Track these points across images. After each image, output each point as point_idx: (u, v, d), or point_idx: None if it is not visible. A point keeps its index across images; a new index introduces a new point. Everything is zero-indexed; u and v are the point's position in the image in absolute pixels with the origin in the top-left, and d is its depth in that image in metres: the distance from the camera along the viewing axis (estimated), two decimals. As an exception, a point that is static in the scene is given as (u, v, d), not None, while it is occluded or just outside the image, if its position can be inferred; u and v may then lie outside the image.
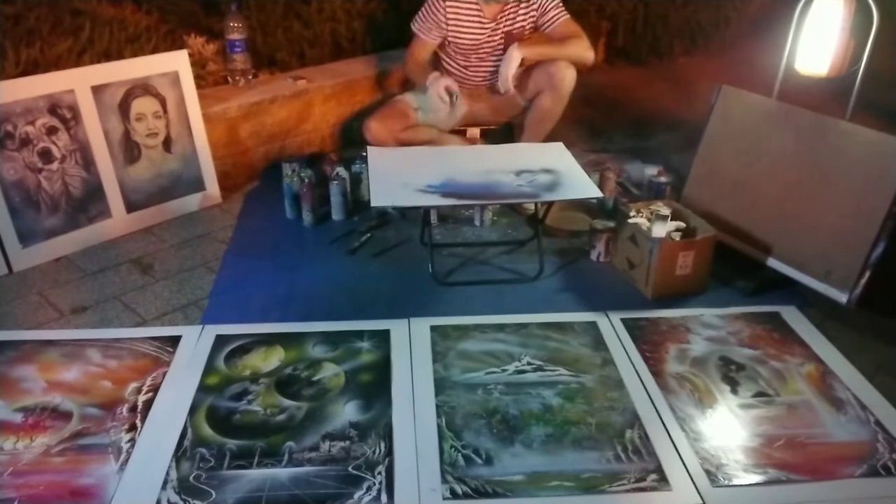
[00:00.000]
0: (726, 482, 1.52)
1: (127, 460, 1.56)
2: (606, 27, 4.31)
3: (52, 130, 2.32)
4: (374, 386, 1.79)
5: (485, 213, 2.59)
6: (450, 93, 2.58)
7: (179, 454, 1.57)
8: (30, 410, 1.69)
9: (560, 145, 2.53)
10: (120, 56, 2.66)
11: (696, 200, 2.40)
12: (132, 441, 1.61)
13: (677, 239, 2.15)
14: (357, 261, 2.37)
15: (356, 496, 1.47)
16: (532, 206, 2.46)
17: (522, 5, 2.66)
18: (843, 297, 2.04)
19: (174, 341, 1.94)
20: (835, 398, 1.77)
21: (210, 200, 2.73)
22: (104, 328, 2.02)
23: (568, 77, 2.63)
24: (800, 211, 2.16)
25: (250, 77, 2.99)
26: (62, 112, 2.34)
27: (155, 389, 1.77)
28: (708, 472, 1.54)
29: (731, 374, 1.85)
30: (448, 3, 2.63)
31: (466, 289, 2.22)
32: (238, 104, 2.82)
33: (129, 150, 2.51)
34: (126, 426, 1.65)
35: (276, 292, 2.18)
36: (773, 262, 2.21)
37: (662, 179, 2.63)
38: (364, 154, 2.51)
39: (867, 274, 1.99)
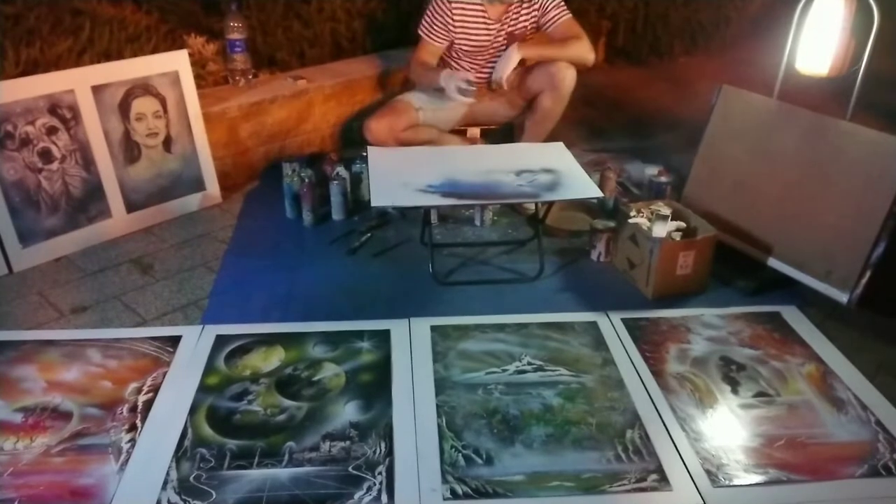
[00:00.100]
0: (727, 482, 1.52)
1: (127, 460, 1.55)
2: (607, 27, 4.31)
3: (52, 130, 2.32)
4: (374, 386, 1.78)
5: (485, 212, 2.59)
6: (468, 82, 2.54)
7: (180, 454, 1.57)
8: (30, 410, 1.69)
9: (560, 145, 2.52)
10: (120, 56, 2.66)
11: (696, 200, 2.40)
12: (132, 441, 1.61)
13: (678, 239, 2.15)
14: (357, 261, 2.37)
15: (356, 496, 1.47)
16: (532, 206, 2.45)
17: (524, 5, 2.65)
18: (843, 297, 2.04)
19: (174, 341, 1.94)
20: (835, 398, 1.77)
21: (210, 200, 2.73)
22: (104, 328, 2.02)
23: (568, 77, 2.63)
24: (800, 211, 2.16)
25: (250, 77, 2.99)
26: (62, 112, 2.33)
27: (155, 389, 1.76)
28: (708, 473, 1.54)
29: (732, 374, 1.85)
30: (454, 5, 2.63)
31: (467, 289, 2.22)
32: (238, 104, 2.82)
33: (129, 150, 2.51)
34: (126, 426, 1.65)
35: (277, 292, 2.17)
36: (773, 262, 2.20)
37: (663, 179, 2.63)
38: (364, 154, 2.50)
39: (868, 274, 1.99)
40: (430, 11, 2.66)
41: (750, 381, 1.82)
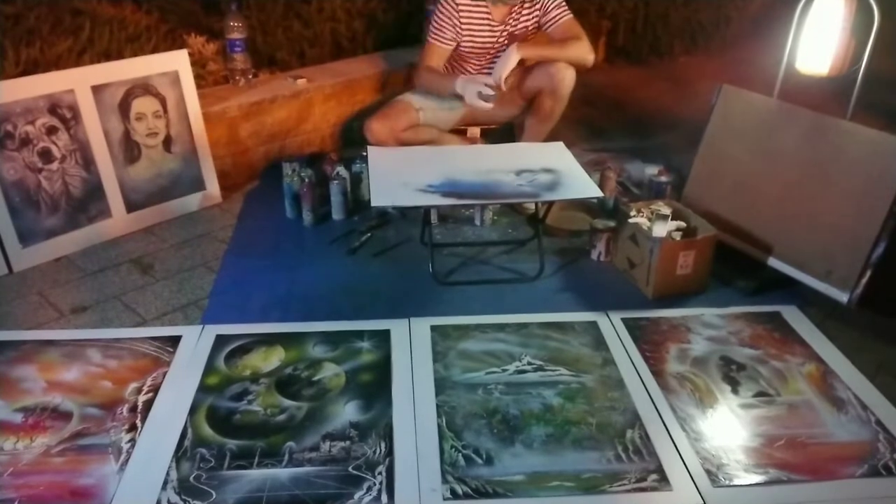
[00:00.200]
0: (727, 482, 1.52)
1: (127, 460, 1.55)
2: (607, 26, 4.31)
3: (52, 130, 2.32)
4: (374, 386, 1.78)
5: (485, 212, 2.59)
6: (490, 87, 2.49)
7: (180, 454, 1.57)
8: (30, 410, 1.69)
9: (560, 145, 2.52)
10: (120, 56, 2.66)
11: (696, 200, 2.39)
12: (132, 441, 1.61)
13: (678, 238, 2.15)
14: (357, 260, 2.37)
15: (356, 496, 1.47)
16: (532, 206, 2.45)
17: (526, 6, 2.65)
18: (843, 297, 2.04)
19: (174, 341, 1.94)
20: (836, 398, 1.77)
21: (210, 200, 2.73)
22: (104, 328, 2.02)
23: (568, 78, 2.63)
24: (800, 210, 2.15)
25: (250, 76, 2.99)
26: (62, 112, 2.33)
27: (155, 389, 1.76)
28: (709, 472, 1.54)
29: (732, 373, 1.85)
30: (461, 5, 2.62)
31: (467, 288, 2.22)
32: (238, 104, 2.82)
33: (129, 150, 2.51)
34: (126, 426, 1.65)
35: (277, 292, 2.17)
36: (773, 262, 2.20)
37: (663, 179, 2.63)
38: (364, 154, 2.51)
39: (868, 273, 1.99)
40: (438, 14, 2.64)
41: (750, 381, 1.82)
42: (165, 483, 1.50)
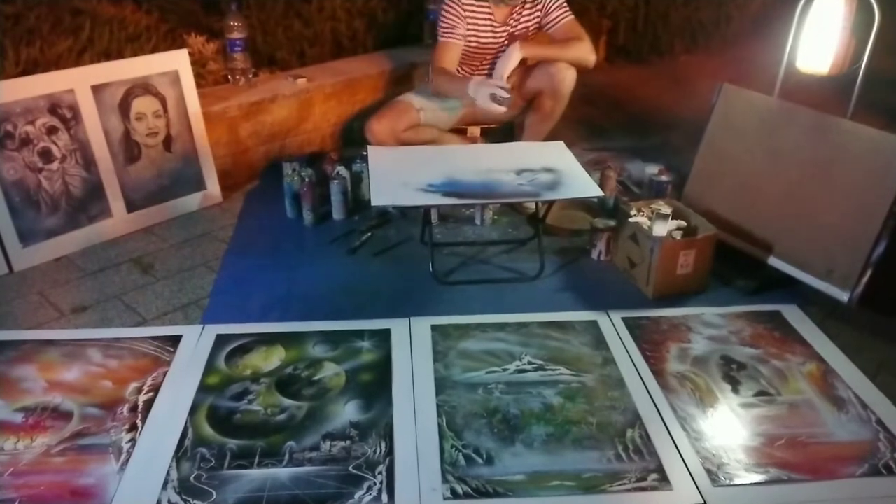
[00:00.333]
0: (727, 482, 1.52)
1: (127, 460, 1.55)
2: (607, 25, 4.31)
3: (52, 130, 2.32)
4: (374, 385, 1.78)
5: (485, 212, 2.59)
6: (504, 89, 2.43)
7: (180, 454, 1.57)
8: (30, 410, 1.69)
9: (561, 144, 2.52)
10: (120, 55, 2.66)
11: (697, 199, 2.39)
12: (133, 441, 1.61)
13: (678, 238, 2.15)
14: (357, 260, 2.37)
15: (357, 496, 1.47)
16: (533, 205, 2.45)
17: (527, 6, 2.65)
18: (844, 296, 2.04)
19: (175, 341, 1.94)
20: (836, 397, 1.77)
21: (210, 200, 2.73)
22: (104, 328, 2.02)
23: (568, 78, 2.63)
24: (801, 210, 2.15)
25: (250, 76, 2.99)
26: (62, 112, 2.33)
27: (155, 389, 1.76)
28: (709, 472, 1.54)
29: (733, 373, 1.85)
30: (466, 5, 2.61)
31: (467, 288, 2.22)
32: (238, 103, 2.82)
33: (130, 150, 2.51)
34: (126, 426, 1.65)
35: (277, 292, 2.17)
36: (774, 261, 2.20)
37: (663, 178, 2.63)
38: (364, 153, 2.50)
39: (868, 273, 1.99)
40: (446, 12, 2.62)
41: (750, 381, 1.82)
42: (166, 483, 1.50)
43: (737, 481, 1.52)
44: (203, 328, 1.99)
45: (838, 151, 2.08)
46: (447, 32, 2.63)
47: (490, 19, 2.64)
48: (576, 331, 2.00)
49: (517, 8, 2.64)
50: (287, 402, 1.73)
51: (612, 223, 2.35)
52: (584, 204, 2.63)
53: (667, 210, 2.19)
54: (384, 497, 1.47)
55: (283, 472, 1.52)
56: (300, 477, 1.51)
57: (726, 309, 2.11)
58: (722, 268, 2.21)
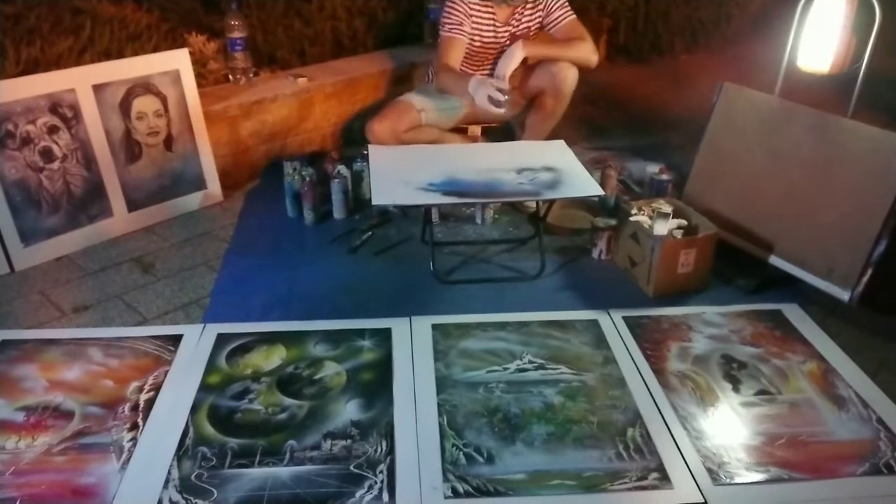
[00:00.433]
0: (728, 480, 1.52)
1: (128, 459, 1.56)
2: (608, 24, 4.31)
3: (53, 129, 2.32)
4: (375, 384, 1.79)
5: (486, 211, 2.59)
6: (500, 90, 2.39)
7: (181, 453, 1.57)
8: (31, 409, 1.70)
9: (561, 143, 2.52)
10: (121, 55, 2.66)
11: (697, 198, 2.39)
12: (134, 440, 1.61)
13: (679, 237, 2.15)
14: (358, 259, 2.37)
15: (358, 495, 1.47)
16: (533, 204, 2.45)
17: (529, 6, 2.65)
18: (845, 295, 2.04)
19: (175, 340, 1.94)
20: (837, 396, 1.77)
21: (211, 199, 2.73)
22: (105, 327, 2.02)
23: (570, 77, 2.63)
24: (801, 208, 2.15)
25: (251, 75, 2.99)
26: (63, 111, 2.34)
27: (156, 388, 1.77)
28: (710, 471, 1.54)
29: (733, 372, 1.85)
30: (471, 4, 2.61)
31: (468, 287, 2.22)
32: (239, 102, 2.82)
33: (130, 149, 2.51)
34: (128, 425, 1.65)
35: (278, 291, 2.18)
36: (774, 260, 2.20)
37: (664, 177, 2.63)
38: (365, 152, 2.51)
39: (869, 272, 1.99)
40: (451, 10, 2.61)
41: (751, 380, 1.82)
42: (167, 482, 1.50)
43: (737, 480, 1.52)
44: (204, 327, 2.00)
45: (839, 150, 2.08)
46: (453, 28, 2.62)
47: (492, 19, 2.64)
48: (576, 330, 2.00)
49: (519, 8, 2.64)
50: (288, 401, 1.73)
51: (612, 222, 2.35)
52: (584, 203, 2.62)
53: (667, 209, 2.19)
54: (385, 496, 1.47)
55: (284, 471, 1.53)
56: (301, 476, 1.52)
57: (727, 308, 2.11)
58: (722, 267, 2.22)
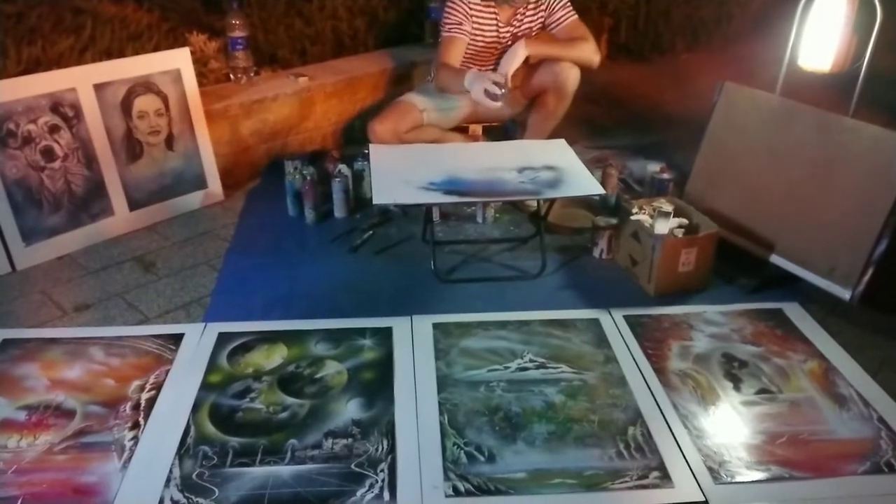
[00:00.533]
0: (729, 479, 1.52)
1: (130, 458, 1.56)
2: (608, 23, 4.30)
3: (54, 129, 2.32)
4: (376, 383, 1.79)
5: (487, 210, 2.59)
6: (497, 84, 2.40)
7: (182, 452, 1.57)
8: (33, 408, 1.70)
9: (562, 142, 2.52)
10: (122, 54, 2.67)
11: (698, 197, 2.39)
12: (135, 439, 1.61)
13: (680, 236, 2.15)
14: (359, 258, 2.37)
15: (359, 494, 1.47)
16: (534, 203, 2.45)
17: (531, 6, 2.65)
18: (846, 294, 2.03)
19: (177, 339, 1.94)
20: (838, 395, 1.77)
21: (212, 198, 2.73)
22: (107, 326, 2.02)
23: (572, 77, 2.63)
24: (803, 207, 2.15)
25: (252, 74, 3.00)
26: (64, 110, 2.34)
27: (158, 387, 1.77)
28: (710, 470, 1.54)
29: (734, 370, 1.85)
30: (472, 5, 2.61)
31: (469, 286, 2.22)
32: (240, 102, 2.82)
33: (132, 148, 2.51)
34: (129, 424, 1.65)
35: (279, 290, 2.18)
36: (775, 259, 2.20)
37: (665, 176, 2.63)
38: (366, 151, 2.51)
39: (870, 271, 1.99)
40: (452, 9, 2.61)
41: (752, 378, 1.82)
42: (168, 480, 1.50)
43: (738, 479, 1.52)
44: (205, 326, 2.00)
45: (840, 149, 2.08)
46: (453, 28, 2.62)
47: (495, 19, 2.64)
48: (577, 329, 2.00)
49: (521, 8, 2.64)
50: (289, 399, 1.73)
51: (613, 221, 2.35)
52: (585, 202, 2.62)
53: (668, 208, 2.19)
54: (386, 495, 1.47)
55: (285, 470, 1.53)
56: (302, 475, 1.52)
57: (728, 307, 2.11)
58: (723, 266, 2.21)
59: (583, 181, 2.22)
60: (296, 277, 2.25)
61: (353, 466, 1.54)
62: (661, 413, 1.70)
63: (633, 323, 2.03)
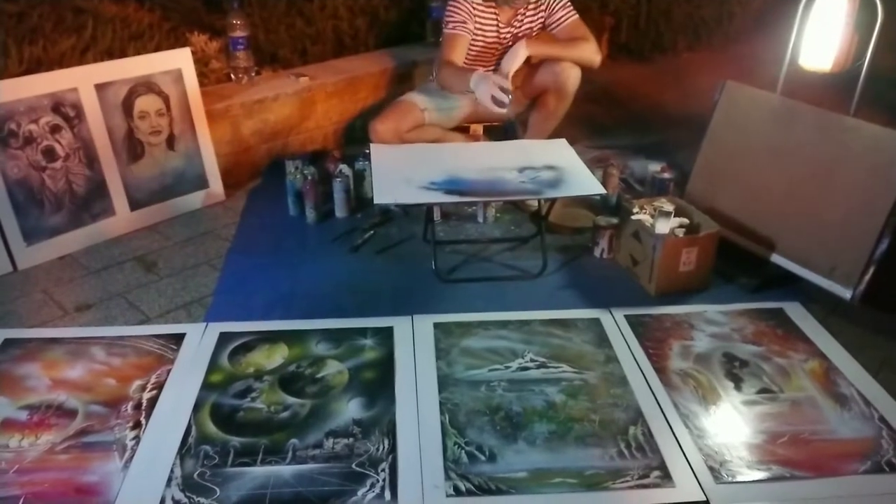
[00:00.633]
0: (730, 479, 1.52)
1: (131, 458, 1.56)
2: (609, 23, 4.31)
3: (55, 129, 2.32)
4: (377, 383, 1.79)
5: (488, 209, 2.59)
6: (504, 90, 2.36)
7: (184, 451, 1.57)
8: (35, 408, 1.70)
9: (563, 142, 2.52)
10: (123, 54, 2.67)
11: (699, 196, 2.39)
12: (137, 438, 1.61)
13: (681, 235, 2.15)
14: (360, 258, 2.38)
15: (360, 493, 1.47)
16: (535, 203, 2.45)
17: (531, 7, 2.65)
18: (847, 294, 2.03)
19: (178, 339, 1.94)
20: (839, 394, 1.77)
21: (213, 198, 2.73)
22: (108, 326, 2.02)
23: (573, 77, 2.63)
24: (803, 207, 2.15)
25: (253, 74, 3.00)
26: (66, 110, 2.34)
27: (159, 387, 1.77)
28: (711, 469, 1.54)
29: (735, 370, 1.85)
30: (475, 4, 2.60)
31: (469, 286, 2.22)
32: (241, 101, 2.82)
33: (133, 148, 2.51)
34: (130, 424, 1.65)
35: (280, 290, 2.18)
36: (776, 259, 2.20)
37: (666, 176, 2.63)
38: (367, 151, 2.51)
39: (871, 270, 1.99)
40: (454, 8, 2.60)
41: (753, 378, 1.82)
42: (170, 480, 1.50)
43: (739, 478, 1.52)
44: (206, 326, 2.00)
45: (841, 149, 2.08)
46: (457, 26, 2.61)
47: (495, 19, 2.64)
48: (578, 328, 2.00)
49: (521, 9, 2.63)
50: (290, 399, 1.74)
51: (614, 221, 2.35)
52: (586, 202, 2.62)
53: (669, 207, 2.19)
54: (387, 494, 1.47)
55: (286, 470, 1.53)
56: (303, 474, 1.52)
57: (729, 306, 2.11)
58: (724, 265, 2.21)
59: (584, 181, 2.22)
60: (297, 277, 2.25)
61: (354, 466, 1.54)
62: (662, 412, 1.70)
63: (634, 322, 2.03)
